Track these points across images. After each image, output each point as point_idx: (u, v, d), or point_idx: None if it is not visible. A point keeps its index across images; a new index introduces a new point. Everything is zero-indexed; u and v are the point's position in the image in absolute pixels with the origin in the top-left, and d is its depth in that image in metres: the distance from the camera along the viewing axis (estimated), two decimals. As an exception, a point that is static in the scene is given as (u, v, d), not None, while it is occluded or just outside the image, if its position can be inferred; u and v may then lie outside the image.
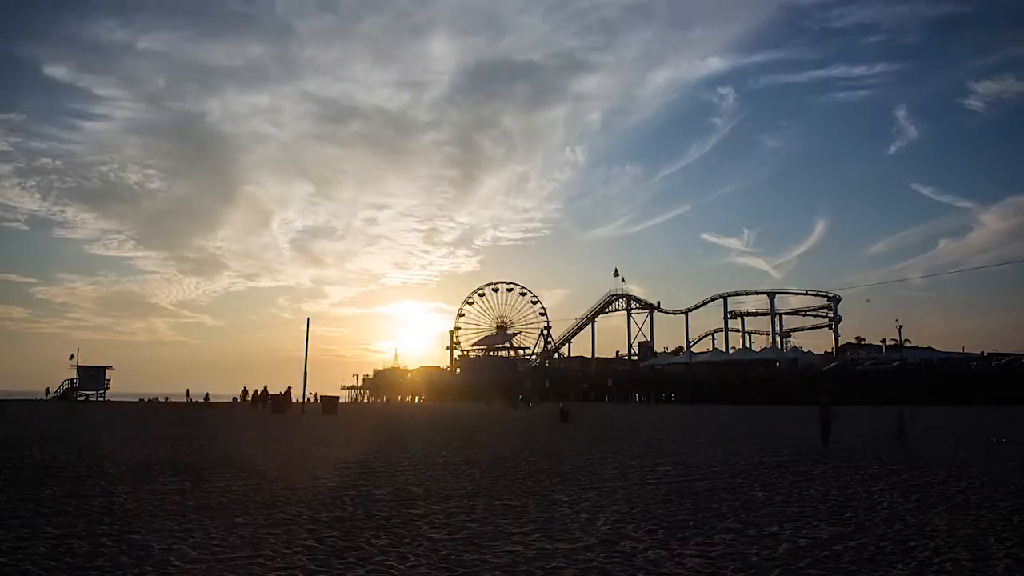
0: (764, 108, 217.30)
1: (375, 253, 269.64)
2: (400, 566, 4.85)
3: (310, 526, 6.18)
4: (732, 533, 6.03)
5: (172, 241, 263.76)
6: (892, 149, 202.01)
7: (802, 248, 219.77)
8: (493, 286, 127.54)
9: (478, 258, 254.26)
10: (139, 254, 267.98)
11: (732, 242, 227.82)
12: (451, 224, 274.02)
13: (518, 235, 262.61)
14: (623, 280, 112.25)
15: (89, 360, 73.41)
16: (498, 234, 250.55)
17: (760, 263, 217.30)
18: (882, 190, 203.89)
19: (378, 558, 5.06)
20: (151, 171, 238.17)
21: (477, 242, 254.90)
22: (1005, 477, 10.06)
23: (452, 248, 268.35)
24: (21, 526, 6.02)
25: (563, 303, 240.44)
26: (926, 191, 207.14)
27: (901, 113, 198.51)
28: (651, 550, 5.37)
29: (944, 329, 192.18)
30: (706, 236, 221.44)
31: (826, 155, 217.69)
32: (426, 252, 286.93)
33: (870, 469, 11.05)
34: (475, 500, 7.76)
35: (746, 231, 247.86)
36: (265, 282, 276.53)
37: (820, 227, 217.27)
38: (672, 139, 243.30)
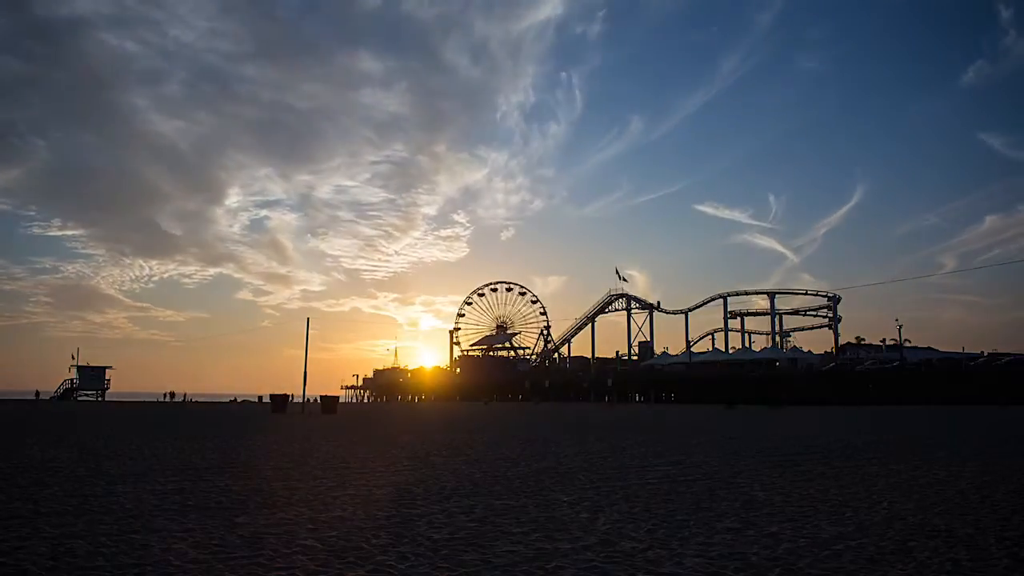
0: (800, 5, 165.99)
1: (344, 233, 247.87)
2: (400, 566, 4.85)
3: (310, 526, 6.18)
4: (732, 533, 6.03)
5: (103, 215, 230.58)
6: (968, 75, 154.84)
7: (830, 224, 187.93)
8: (492, 286, 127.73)
9: (464, 241, 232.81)
10: (70, 233, 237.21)
11: (747, 218, 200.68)
12: (425, 187, 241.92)
13: (503, 211, 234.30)
14: (624, 280, 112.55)
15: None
16: (482, 211, 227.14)
17: (773, 244, 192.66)
18: (941, 141, 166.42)
19: (378, 558, 5.05)
20: (35, 112, 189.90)
21: (458, 217, 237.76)
22: (1005, 477, 10.06)
23: (432, 227, 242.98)
24: (21, 526, 6.02)
25: (560, 293, 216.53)
26: (995, 142, 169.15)
27: (1006, 11, 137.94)
28: (651, 550, 5.37)
29: (969, 325, 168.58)
30: (715, 211, 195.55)
31: (876, 86, 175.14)
32: (402, 233, 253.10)
33: (870, 469, 11.05)
34: (475, 500, 7.76)
35: (771, 196, 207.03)
36: (224, 269, 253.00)
37: (858, 195, 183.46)
38: (686, 63, 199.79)
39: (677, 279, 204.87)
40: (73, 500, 7.44)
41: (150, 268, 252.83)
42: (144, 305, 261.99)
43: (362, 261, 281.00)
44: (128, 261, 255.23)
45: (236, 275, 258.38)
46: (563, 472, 10.49)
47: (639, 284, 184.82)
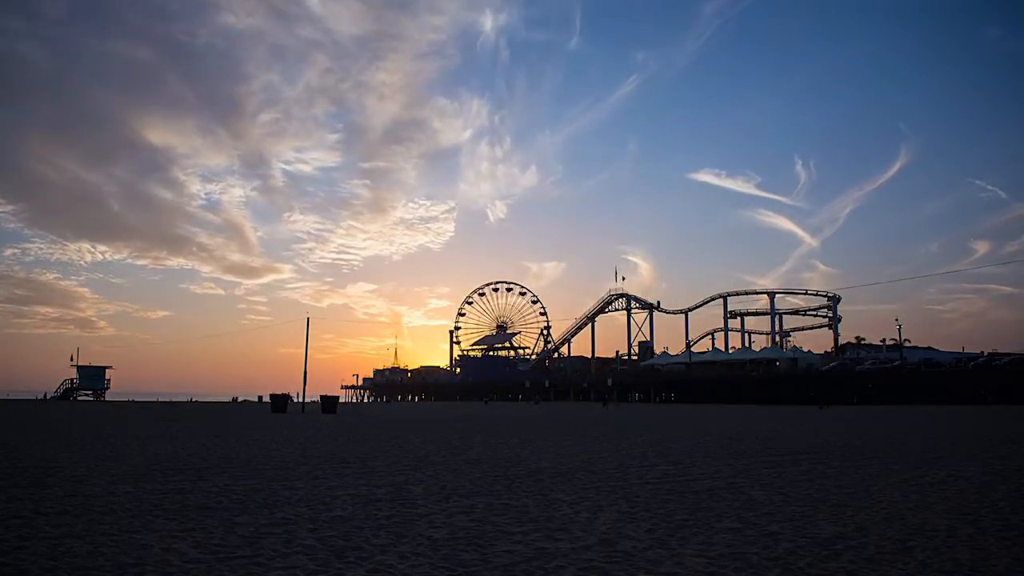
0: None
1: (309, 211, 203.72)
2: (400, 565, 4.85)
3: (310, 526, 6.19)
4: (732, 533, 6.03)
5: (22, 186, 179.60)
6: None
7: (859, 198, 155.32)
8: (492, 286, 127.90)
9: (448, 221, 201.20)
10: None
11: (761, 190, 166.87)
12: (398, 149, 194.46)
13: (489, 187, 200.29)
14: (623, 279, 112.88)
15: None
16: (466, 186, 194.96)
17: (791, 225, 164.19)
18: (1003, 83, 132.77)
19: (378, 558, 5.06)
20: None
21: (440, 191, 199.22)
22: (1005, 477, 10.06)
23: (410, 205, 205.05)
24: (21, 526, 6.03)
25: (558, 282, 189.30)
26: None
27: None
28: (651, 550, 5.37)
29: (1004, 321, 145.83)
30: (723, 182, 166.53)
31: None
32: (375, 213, 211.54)
33: (870, 469, 11.05)
34: (475, 500, 7.76)
35: (797, 162, 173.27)
36: (185, 259, 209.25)
37: (901, 160, 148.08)
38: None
39: (683, 265, 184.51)
40: (73, 500, 7.45)
41: (102, 255, 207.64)
42: (110, 299, 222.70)
43: (334, 247, 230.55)
44: (73, 246, 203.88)
45: (199, 266, 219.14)
46: (563, 472, 10.49)
47: (643, 274, 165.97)
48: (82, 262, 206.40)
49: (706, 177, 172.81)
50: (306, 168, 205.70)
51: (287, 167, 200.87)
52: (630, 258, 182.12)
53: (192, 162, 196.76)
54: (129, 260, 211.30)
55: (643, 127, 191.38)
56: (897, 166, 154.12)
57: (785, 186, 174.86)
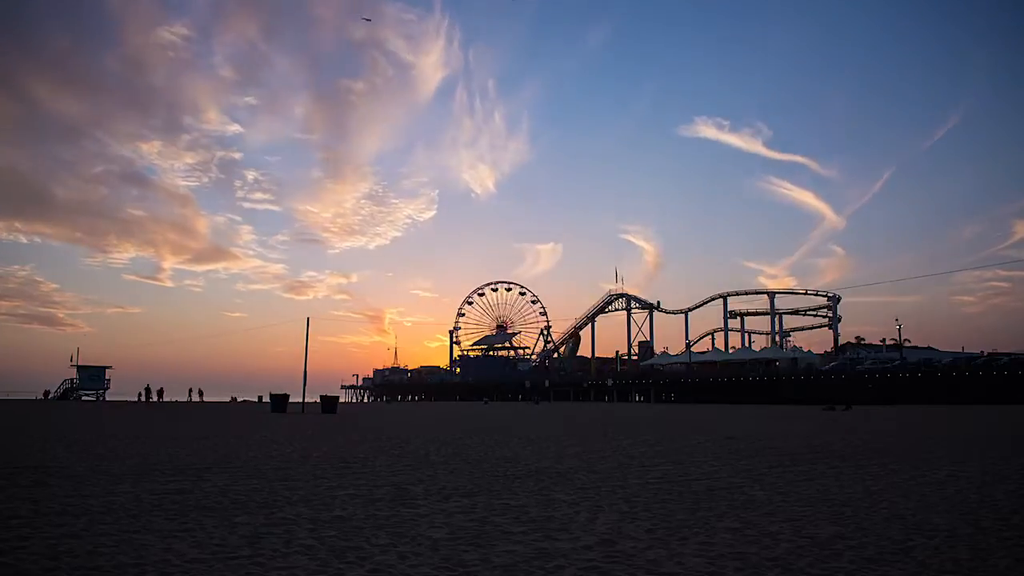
0: None
1: (265, 187, 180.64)
2: (400, 565, 4.85)
3: (310, 526, 6.18)
4: (732, 533, 6.03)
5: None
6: None
7: (897, 168, 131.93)
8: (492, 286, 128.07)
9: (428, 201, 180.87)
10: None
11: (780, 152, 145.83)
12: (354, 91, 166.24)
13: (468, 153, 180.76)
14: (622, 281, 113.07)
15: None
16: (441, 158, 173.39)
17: (810, 198, 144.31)
18: None
19: (378, 558, 5.06)
20: None
21: (415, 158, 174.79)
22: (1005, 477, 10.06)
23: (381, 177, 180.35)
24: (21, 526, 6.02)
25: (555, 269, 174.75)
26: None
27: None
28: (651, 550, 5.37)
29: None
30: (734, 138, 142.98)
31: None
32: (338, 184, 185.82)
33: (870, 469, 11.05)
34: (475, 500, 7.76)
35: (832, 108, 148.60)
36: (139, 249, 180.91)
37: (955, 118, 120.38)
38: None
39: (691, 244, 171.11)
40: (73, 500, 7.45)
41: (41, 239, 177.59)
42: (73, 292, 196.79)
43: (298, 227, 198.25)
44: (2, 224, 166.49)
45: (154, 255, 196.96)
46: (563, 472, 10.49)
47: (647, 262, 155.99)
48: (22, 244, 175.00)
49: (709, 131, 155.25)
50: (238, 132, 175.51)
51: (222, 122, 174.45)
52: (631, 239, 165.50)
53: (100, 112, 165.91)
54: (73, 245, 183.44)
55: (648, 70, 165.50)
56: (949, 123, 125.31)
57: (809, 144, 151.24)
